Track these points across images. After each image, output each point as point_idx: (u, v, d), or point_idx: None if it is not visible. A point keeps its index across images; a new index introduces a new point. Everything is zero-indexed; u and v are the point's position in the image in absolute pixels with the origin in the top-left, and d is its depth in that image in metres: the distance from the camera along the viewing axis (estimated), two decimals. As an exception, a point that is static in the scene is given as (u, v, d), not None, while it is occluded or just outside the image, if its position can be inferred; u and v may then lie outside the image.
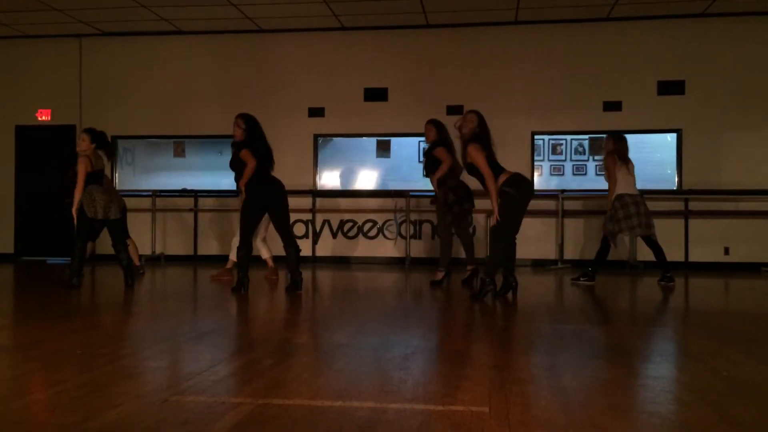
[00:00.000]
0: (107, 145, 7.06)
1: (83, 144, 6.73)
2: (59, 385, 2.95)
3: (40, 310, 5.46)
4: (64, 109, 10.81)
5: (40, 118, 10.89)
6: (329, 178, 10.85)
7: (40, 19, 9.87)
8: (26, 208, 10.97)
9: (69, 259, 6.98)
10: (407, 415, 2.54)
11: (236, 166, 6.49)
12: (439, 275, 7.11)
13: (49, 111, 10.86)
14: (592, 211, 9.72)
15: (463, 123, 5.96)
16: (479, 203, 9.66)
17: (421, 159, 7.18)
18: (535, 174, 10.11)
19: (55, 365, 3.40)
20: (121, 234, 6.97)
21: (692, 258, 9.52)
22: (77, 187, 6.60)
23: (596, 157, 10.28)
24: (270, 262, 7.74)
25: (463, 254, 7.50)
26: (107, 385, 2.98)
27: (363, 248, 10.25)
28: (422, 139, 7.85)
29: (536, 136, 10.04)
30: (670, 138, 9.88)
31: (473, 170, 5.92)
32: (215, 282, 7.51)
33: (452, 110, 9.99)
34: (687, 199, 9.56)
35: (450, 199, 6.90)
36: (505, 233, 5.90)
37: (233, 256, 7.62)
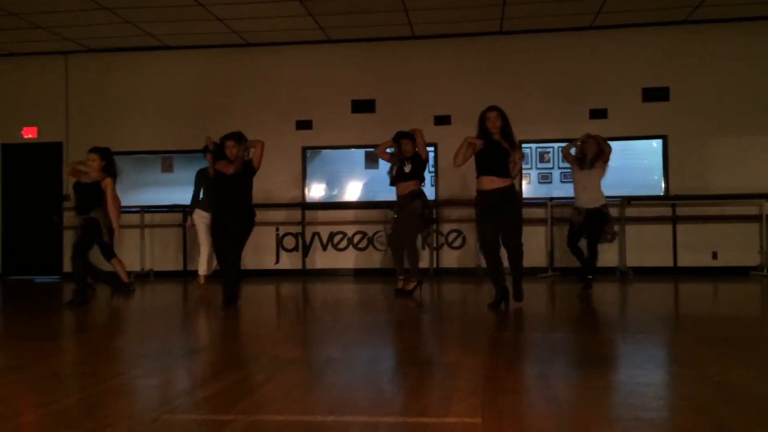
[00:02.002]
0: (114, 165, 7.02)
1: (94, 164, 6.75)
2: (49, 406, 2.92)
3: (28, 330, 5.41)
4: (51, 126, 10.75)
5: (26, 136, 10.83)
6: (318, 191, 10.85)
7: (26, 37, 9.83)
8: (13, 227, 10.89)
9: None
10: (400, 428, 2.54)
11: (242, 186, 6.50)
12: (412, 285, 7.09)
13: (35, 129, 10.81)
14: (580, 218, 9.74)
15: (490, 124, 5.91)
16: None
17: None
18: (524, 182, 10.15)
19: (45, 387, 3.36)
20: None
21: (681, 263, 9.57)
22: (114, 206, 6.72)
23: (584, 165, 10.31)
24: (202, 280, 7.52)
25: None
26: (97, 405, 2.96)
27: (353, 260, 10.23)
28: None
29: (524, 145, 10.06)
30: (656, 144, 9.95)
31: (493, 156, 5.86)
32: (204, 300, 7.41)
33: (439, 120, 10.04)
34: (674, 205, 9.62)
35: (426, 214, 6.99)
36: (480, 239, 5.96)
37: (205, 271, 7.52)
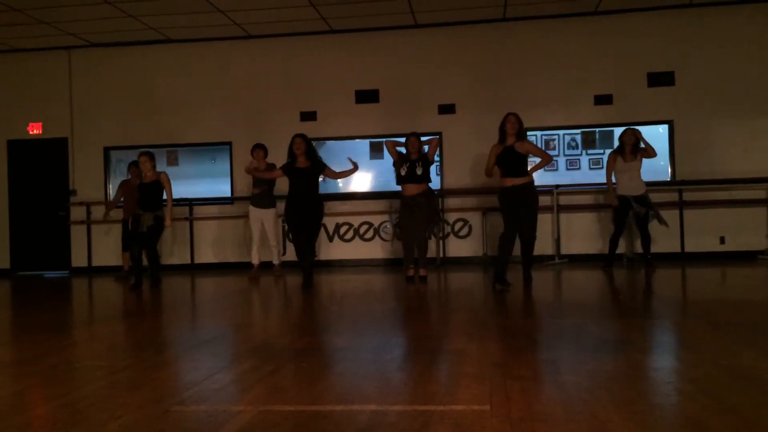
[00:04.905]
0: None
1: (147, 165, 7.71)
2: (60, 399, 2.95)
3: (38, 324, 5.45)
4: (56, 122, 10.78)
5: (31, 132, 10.86)
6: (323, 182, 10.83)
7: (29, 32, 9.85)
8: (21, 222, 10.94)
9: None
10: (409, 416, 2.55)
11: (313, 178, 7.54)
12: (425, 271, 7.61)
13: (40, 124, 10.84)
14: (586, 205, 9.73)
15: (509, 126, 6.76)
16: (478, 201, 9.68)
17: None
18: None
19: (56, 379, 3.39)
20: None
21: (688, 248, 9.54)
22: (170, 194, 7.77)
23: (589, 151, 10.31)
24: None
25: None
26: (108, 397, 2.98)
27: (360, 250, 10.24)
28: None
29: (528, 132, 9.99)
30: (662, 129, 9.90)
31: (509, 160, 6.74)
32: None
33: (444, 109, 10.02)
34: (681, 190, 9.58)
35: (438, 210, 7.67)
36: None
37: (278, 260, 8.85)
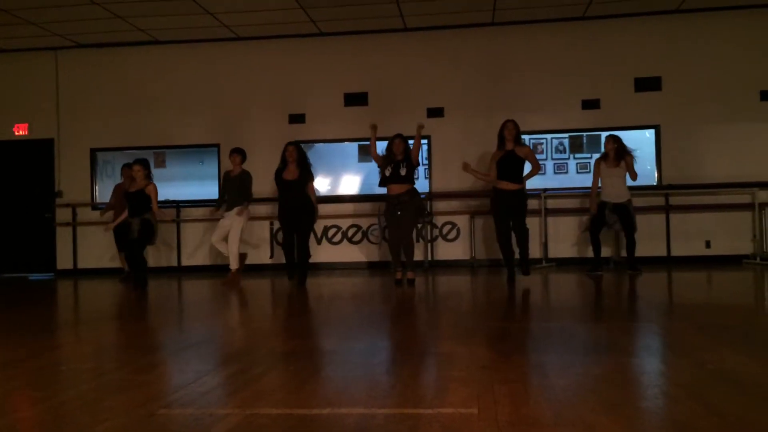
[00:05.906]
0: (151, 172, 8.00)
1: (139, 174, 7.73)
2: (45, 402, 2.92)
3: (23, 326, 5.39)
4: (42, 123, 10.70)
5: (17, 133, 10.77)
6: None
7: (15, 32, 9.77)
8: (6, 224, 10.84)
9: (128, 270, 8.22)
10: (396, 419, 2.54)
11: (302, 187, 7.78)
12: (412, 274, 7.49)
13: (26, 125, 10.75)
14: (574, 209, 9.77)
15: (507, 132, 7.33)
16: (464, 205, 9.67)
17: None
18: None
19: (40, 382, 3.35)
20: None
21: (674, 252, 9.60)
22: (155, 207, 7.71)
23: (577, 155, 10.35)
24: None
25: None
26: (93, 400, 2.95)
27: (348, 253, 10.22)
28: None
29: (517, 136, 10.06)
30: (649, 134, 9.96)
31: (509, 164, 7.32)
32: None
33: (432, 113, 10.03)
34: (667, 194, 9.64)
35: (425, 207, 7.73)
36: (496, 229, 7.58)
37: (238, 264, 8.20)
